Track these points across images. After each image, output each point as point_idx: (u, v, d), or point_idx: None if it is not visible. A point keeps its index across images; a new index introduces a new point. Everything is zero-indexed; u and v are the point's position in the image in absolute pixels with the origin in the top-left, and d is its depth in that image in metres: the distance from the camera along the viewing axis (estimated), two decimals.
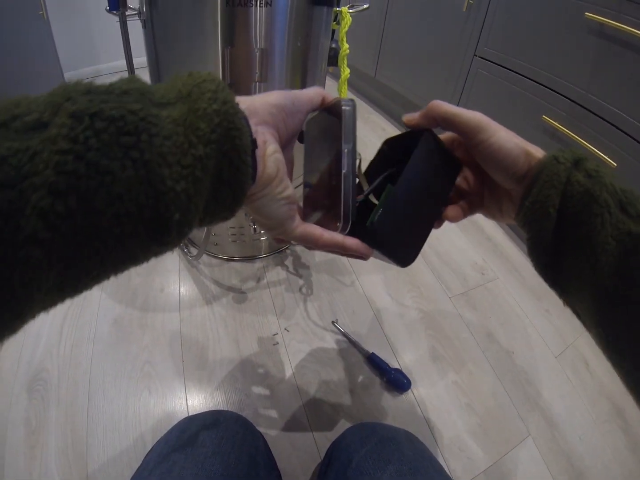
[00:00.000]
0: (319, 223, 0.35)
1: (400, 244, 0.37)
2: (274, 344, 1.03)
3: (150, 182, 0.20)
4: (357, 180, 0.37)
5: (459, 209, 0.40)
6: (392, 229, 0.35)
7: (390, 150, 0.42)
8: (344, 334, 1.05)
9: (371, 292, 1.19)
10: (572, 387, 1.01)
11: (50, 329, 1.02)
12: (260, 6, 0.69)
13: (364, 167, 0.40)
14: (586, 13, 1.02)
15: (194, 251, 1.21)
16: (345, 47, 0.81)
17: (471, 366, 1.03)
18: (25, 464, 0.79)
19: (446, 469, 0.81)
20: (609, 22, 0.98)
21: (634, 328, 0.26)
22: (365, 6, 0.87)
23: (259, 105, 0.29)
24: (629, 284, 0.26)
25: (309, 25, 0.79)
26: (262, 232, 1.17)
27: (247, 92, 0.84)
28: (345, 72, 0.81)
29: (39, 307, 0.20)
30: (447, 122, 0.34)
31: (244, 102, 0.28)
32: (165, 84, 0.25)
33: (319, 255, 1.28)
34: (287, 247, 1.29)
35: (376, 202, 0.37)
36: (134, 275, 1.17)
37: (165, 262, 1.22)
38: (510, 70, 1.32)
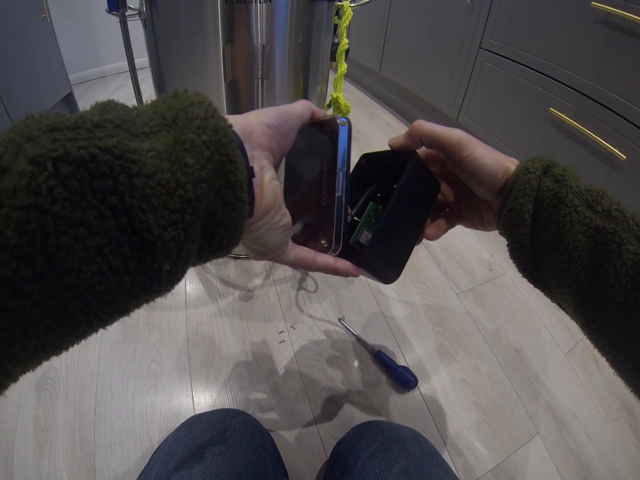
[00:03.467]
0: (302, 236, 0.36)
1: (387, 264, 0.38)
2: (280, 342, 1.03)
3: (134, 231, 0.18)
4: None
5: (437, 227, 0.42)
6: (381, 251, 0.36)
7: (369, 165, 0.42)
8: (351, 331, 1.05)
9: (378, 289, 1.18)
10: (581, 385, 1.00)
11: None
12: (260, 2, 0.69)
13: None
14: (592, 2, 1.00)
15: None
16: (345, 42, 0.80)
17: (479, 363, 1.02)
18: (34, 462, 0.80)
19: (453, 467, 0.81)
20: (616, 12, 0.96)
21: (610, 315, 0.28)
22: None
23: (255, 126, 0.27)
24: (600, 274, 0.28)
25: (310, 20, 0.78)
26: None
27: (249, 89, 0.83)
28: (342, 67, 0.80)
29: (20, 372, 0.18)
30: (431, 141, 0.36)
31: (237, 122, 0.26)
32: (147, 107, 0.22)
33: None
34: None
35: (358, 219, 0.39)
36: None
37: None
38: (516, 62, 1.30)
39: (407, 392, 0.95)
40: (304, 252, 0.34)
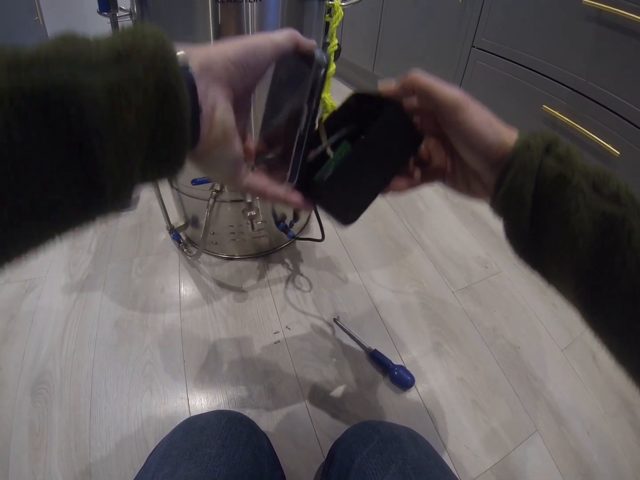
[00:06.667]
0: (269, 164, 0.37)
1: (344, 205, 0.37)
2: (275, 342, 1.02)
3: (82, 156, 0.20)
4: (317, 130, 0.38)
5: (405, 180, 0.39)
6: (339, 189, 0.36)
7: (357, 104, 0.41)
8: (346, 331, 1.04)
9: (373, 287, 1.18)
10: (580, 381, 1.00)
11: (52, 331, 1.02)
12: (250, 2, 0.68)
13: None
14: (584, 0, 1.00)
15: (194, 250, 1.21)
16: (335, 42, 0.80)
17: (476, 361, 1.02)
18: (29, 466, 0.79)
19: (451, 466, 0.81)
20: (607, 8, 0.96)
21: (616, 306, 0.27)
22: None
23: (215, 58, 0.28)
24: (607, 264, 0.26)
25: (301, 19, 0.77)
26: (261, 230, 1.16)
27: None
28: (331, 67, 0.80)
29: None
30: (425, 96, 0.33)
31: (196, 56, 0.27)
32: (105, 40, 0.23)
33: (320, 252, 1.27)
34: (287, 245, 1.28)
35: (332, 154, 0.38)
36: (134, 277, 1.16)
37: (165, 263, 1.21)
38: (508, 60, 1.30)
39: (404, 391, 0.94)
40: (257, 180, 0.34)
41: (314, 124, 0.34)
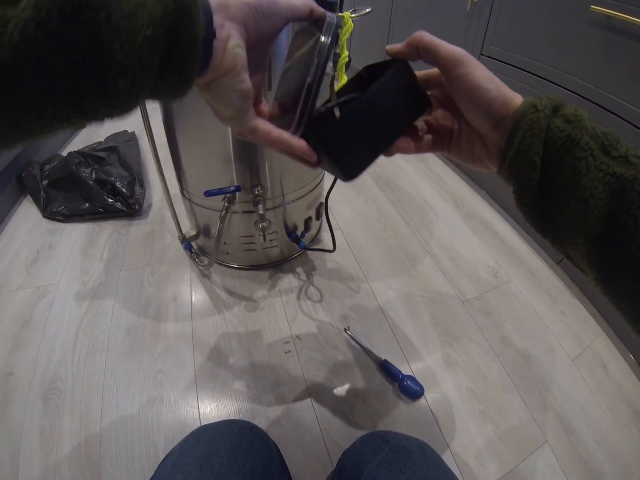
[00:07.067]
0: (283, 122, 0.37)
1: (346, 157, 0.37)
2: (286, 352, 1.03)
3: (103, 52, 0.23)
4: (329, 97, 0.39)
5: (410, 141, 0.40)
6: (343, 139, 0.36)
7: (368, 75, 0.42)
8: (356, 341, 1.04)
9: (383, 298, 1.18)
10: (590, 391, 0.99)
11: (64, 338, 1.03)
12: None
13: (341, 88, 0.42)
14: (592, 6, 1.00)
15: (205, 260, 1.22)
16: (345, 54, 0.80)
17: (486, 372, 1.01)
18: (40, 471, 0.81)
19: (460, 477, 0.80)
20: (615, 15, 0.95)
21: (628, 271, 0.27)
22: (367, 10, 0.86)
23: (233, 1, 0.30)
24: (618, 226, 0.26)
25: None
26: (273, 240, 1.17)
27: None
28: (342, 80, 0.80)
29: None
30: (428, 53, 0.34)
31: None
32: None
33: (331, 262, 1.28)
34: (298, 255, 1.29)
35: (338, 114, 0.39)
36: (147, 285, 1.18)
37: (177, 272, 1.23)
38: (517, 68, 1.30)
39: (413, 401, 0.94)
40: (262, 124, 0.35)
41: (322, 77, 0.34)
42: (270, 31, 0.33)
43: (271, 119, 0.39)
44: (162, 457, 0.55)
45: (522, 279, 1.25)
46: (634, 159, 0.27)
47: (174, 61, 0.27)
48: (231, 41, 0.30)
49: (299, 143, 0.36)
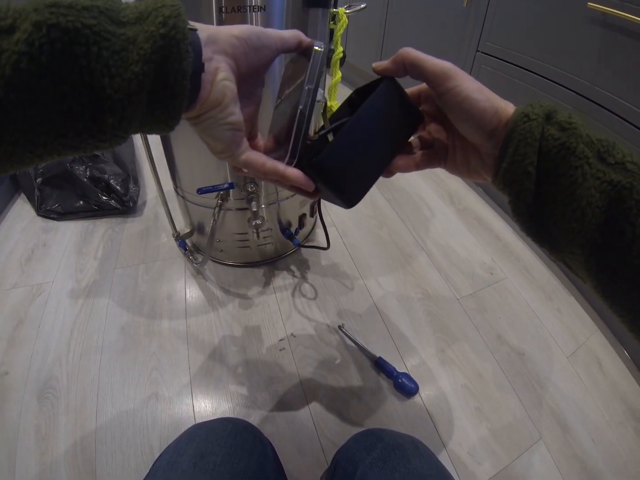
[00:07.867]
0: (277, 154, 0.37)
1: (345, 183, 0.37)
2: (280, 350, 1.03)
3: (92, 87, 0.24)
4: (322, 124, 0.39)
5: (410, 159, 0.40)
6: (338, 164, 0.35)
7: (359, 98, 0.42)
8: (351, 339, 1.04)
9: (378, 295, 1.18)
10: (585, 388, 0.99)
11: (59, 337, 1.03)
12: (254, 11, 0.69)
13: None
14: (589, 3, 1.00)
15: (199, 258, 1.21)
16: (340, 49, 0.80)
17: (481, 368, 1.01)
18: (36, 470, 0.80)
19: (455, 474, 0.80)
20: (612, 12, 0.95)
21: (627, 279, 0.26)
22: (362, 6, 0.86)
23: (222, 35, 0.31)
24: (616, 234, 0.26)
25: (305, 27, 0.78)
26: (267, 237, 1.16)
27: None
28: (337, 75, 0.80)
29: None
30: (415, 68, 0.34)
31: (206, 30, 0.30)
32: (135, 4, 0.27)
33: (325, 259, 1.27)
34: (292, 252, 1.29)
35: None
36: (141, 283, 1.17)
37: (171, 269, 1.22)
38: (514, 64, 1.30)
39: (408, 398, 0.94)
40: (256, 156, 0.35)
41: (314, 104, 0.34)
42: (260, 63, 0.34)
43: (267, 152, 0.39)
44: (157, 455, 0.55)
45: (517, 276, 1.25)
46: (630, 165, 0.26)
47: (161, 96, 0.27)
48: (219, 74, 0.30)
49: (294, 173, 0.35)
